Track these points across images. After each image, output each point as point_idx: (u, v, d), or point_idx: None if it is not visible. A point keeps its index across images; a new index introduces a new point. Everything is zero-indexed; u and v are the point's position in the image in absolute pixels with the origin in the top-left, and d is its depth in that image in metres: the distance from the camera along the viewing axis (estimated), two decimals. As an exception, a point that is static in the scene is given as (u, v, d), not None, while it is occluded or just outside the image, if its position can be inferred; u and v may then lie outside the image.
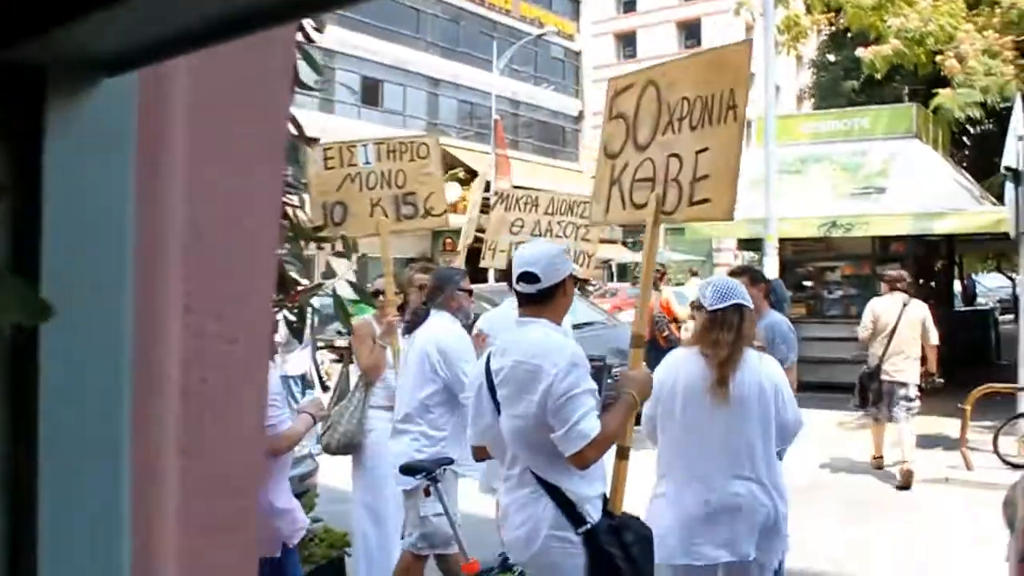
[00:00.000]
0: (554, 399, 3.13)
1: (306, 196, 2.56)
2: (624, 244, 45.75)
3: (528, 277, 3.33)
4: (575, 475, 3.22)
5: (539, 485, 3.23)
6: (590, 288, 25.04)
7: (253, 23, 0.65)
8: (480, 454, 3.72)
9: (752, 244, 14.92)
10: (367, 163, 5.78)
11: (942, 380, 9.34)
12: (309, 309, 3.06)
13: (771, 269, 11.23)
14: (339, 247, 2.28)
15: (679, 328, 12.06)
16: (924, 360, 9.00)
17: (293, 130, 1.94)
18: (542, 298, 3.37)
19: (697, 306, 4.02)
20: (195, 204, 0.87)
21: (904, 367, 8.83)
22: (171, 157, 0.81)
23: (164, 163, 0.81)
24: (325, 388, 14.36)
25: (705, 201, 3.77)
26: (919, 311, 8.97)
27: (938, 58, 12.83)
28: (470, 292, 5.37)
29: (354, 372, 5.77)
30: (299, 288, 1.96)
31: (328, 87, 33.78)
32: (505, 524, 3.38)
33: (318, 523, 5.48)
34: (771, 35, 12.55)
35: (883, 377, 8.86)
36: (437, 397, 4.93)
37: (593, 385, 3.24)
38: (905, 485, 8.41)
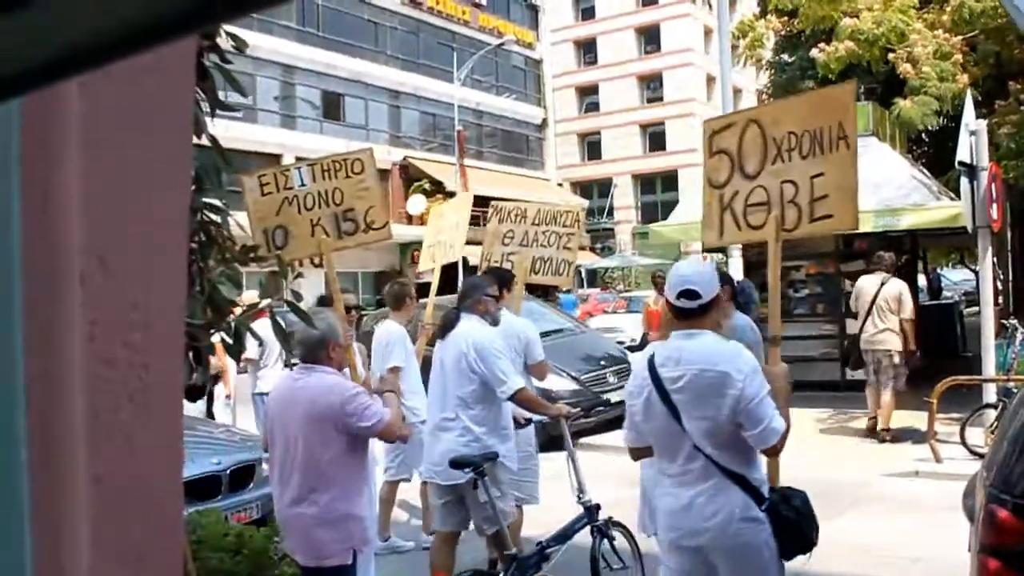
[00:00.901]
0: (745, 402, 3.54)
1: (240, 217, 2.51)
2: (592, 250, 45.93)
3: (690, 294, 3.70)
4: (754, 463, 3.73)
5: (724, 476, 3.64)
6: (560, 295, 25.05)
7: (144, 39, 0.63)
8: (639, 455, 4.09)
9: (717, 246, 14.98)
10: (303, 185, 5.74)
11: (918, 353, 10.25)
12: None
13: (736, 270, 11.28)
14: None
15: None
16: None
17: (214, 150, 1.90)
18: (702, 312, 3.73)
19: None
20: (96, 229, 0.83)
21: (883, 338, 9.93)
22: (65, 180, 0.78)
23: (56, 186, 0.78)
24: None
25: (827, 217, 4.48)
26: (895, 286, 10.08)
27: (891, 56, 12.98)
28: (497, 298, 5.85)
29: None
30: (233, 309, 1.94)
31: (289, 103, 33.66)
32: (689, 513, 3.70)
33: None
34: (727, 38, 12.63)
35: (863, 347, 10.01)
36: (476, 393, 5.35)
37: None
38: (871, 432, 9.96)
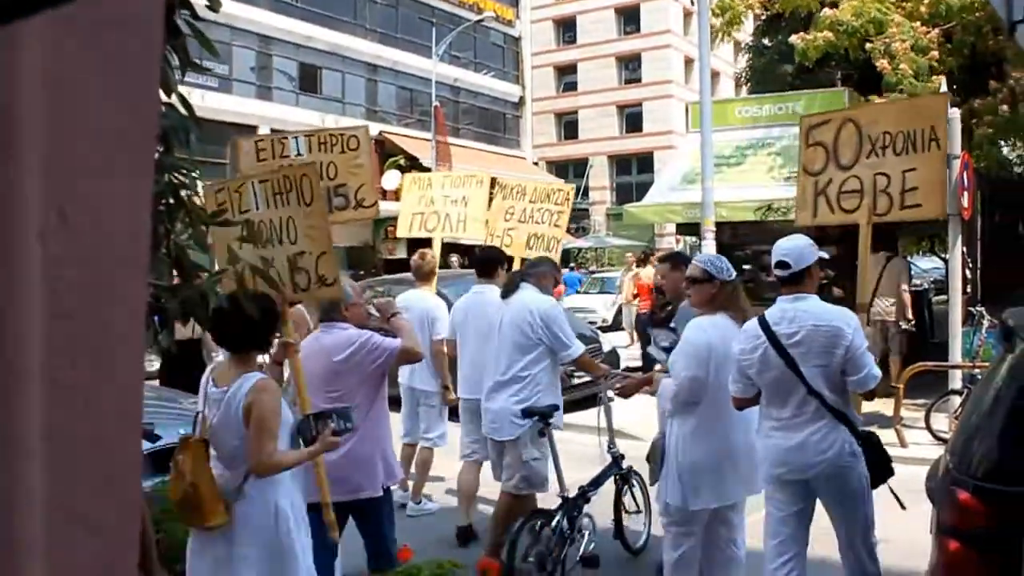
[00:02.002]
0: (853, 351, 4.28)
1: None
2: (568, 231, 45.86)
3: (782, 265, 4.44)
4: (850, 405, 4.47)
5: (833, 417, 4.33)
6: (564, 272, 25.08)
7: None
8: (742, 404, 4.62)
9: (691, 229, 14.99)
10: (299, 154, 5.68)
11: (913, 320, 11.30)
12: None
13: (710, 252, 11.31)
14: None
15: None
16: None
17: (183, 110, 1.87)
18: (796, 279, 4.45)
19: (708, 278, 4.80)
20: (56, 184, 0.82)
21: (892, 310, 10.96)
22: (25, 135, 0.76)
23: (16, 141, 0.75)
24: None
25: (916, 206, 5.34)
26: (898, 264, 11.30)
27: (868, 47, 13.03)
28: (557, 281, 6.50)
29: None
30: (201, 273, 1.91)
31: (266, 74, 33.31)
32: (803, 451, 4.36)
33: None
34: (707, 21, 12.60)
35: (873, 317, 10.66)
36: (533, 355, 5.75)
37: None
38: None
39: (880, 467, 4.43)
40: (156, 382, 7.99)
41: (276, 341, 4.39)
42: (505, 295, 6.02)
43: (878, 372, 4.40)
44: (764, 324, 4.46)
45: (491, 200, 8.74)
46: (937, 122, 5.32)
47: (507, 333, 5.81)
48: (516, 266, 7.66)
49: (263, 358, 4.31)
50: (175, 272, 1.85)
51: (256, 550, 3.68)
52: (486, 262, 7.00)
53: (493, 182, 9.01)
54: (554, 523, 5.49)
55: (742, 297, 4.90)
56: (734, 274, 4.87)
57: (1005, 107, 13.47)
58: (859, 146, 5.48)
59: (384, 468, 4.86)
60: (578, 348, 5.87)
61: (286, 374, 4.75)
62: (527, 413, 5.66)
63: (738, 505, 4.87)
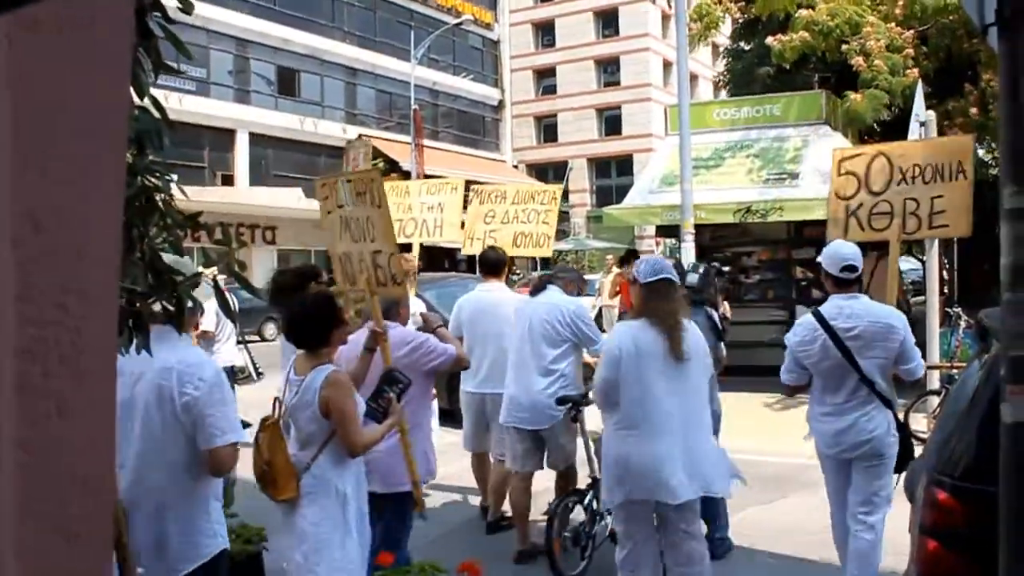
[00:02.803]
0: (906, 345, 4.94)
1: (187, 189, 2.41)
2: (546, 233, 45.85)
3: (851, 268, 5.02)
4: (894, 392, 5.07)
5: (880, 402, 4.91)
6: (514, 277, 25.04)
7: None
8: (794, 391, 5.41)
9: (670, 231, 15.04)
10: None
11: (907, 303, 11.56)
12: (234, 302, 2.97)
13: (689, 255, 11.35)
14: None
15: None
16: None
17: (156, 113, 1.85)
18: (857, 281, 5.08)
19: (632, 280, 5.00)
20: (29, 190, 0.80)
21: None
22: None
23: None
24: (260, 375, 14.08)
25: (944, 226, 6.10)
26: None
27: (844, 47, 13.12)
28: (580, 291, 6.75)
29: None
30: (177, 278, 1.89)
31: (243, 77, 33.18)
32: (854, 431, 4.92)
33: (234, 518, 5.35)
34: (684, 25, 12.66)
35: None
36: (561, 349, 6.11)
37: None
38: None
39: (905, 453, 4.98)
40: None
41: (368, 327, 4.92)
42: (534, 293, 6.45)
43: (922, 361, 5.17)
44: (821, 319, 4.99)
45: (466, 204, 9.00)
46: (964, 157, 6.03)
47: (537, 329, 6.14)
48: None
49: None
50: (149, 276, 1.83)
51: (317, 527, 4.06)
52: (496, 263, 7.26)
53: (468, 186, 9.26)
54: (585, 502, 5.93)
55: (669, 301, 4.81)
56: (670, 277, 4.83)
57: (975, 110, 13.60)
58: (890, 175, 6.16)
59: (423, 464, 5.13)
60: (603, 343, 6.11)
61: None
62: (561, 401, 6.00)
63: (689, 504, 4.74)
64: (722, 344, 6.49)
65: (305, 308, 4.24)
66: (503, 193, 8.90)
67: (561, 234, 48.16)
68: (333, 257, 5.59)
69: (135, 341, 1.81)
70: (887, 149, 6.42)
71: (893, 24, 13.24)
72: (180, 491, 3.59)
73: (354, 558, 4.14)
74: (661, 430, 4.65)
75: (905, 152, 6.32)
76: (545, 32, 54.35)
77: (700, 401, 4.84)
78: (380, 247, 5.05)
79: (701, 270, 6.76)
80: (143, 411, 3.52)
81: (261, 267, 25.67)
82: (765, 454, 8.69)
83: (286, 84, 34.56)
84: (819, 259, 5.26)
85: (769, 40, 13.77)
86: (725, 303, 7.85)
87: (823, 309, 5.04)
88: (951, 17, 12.82)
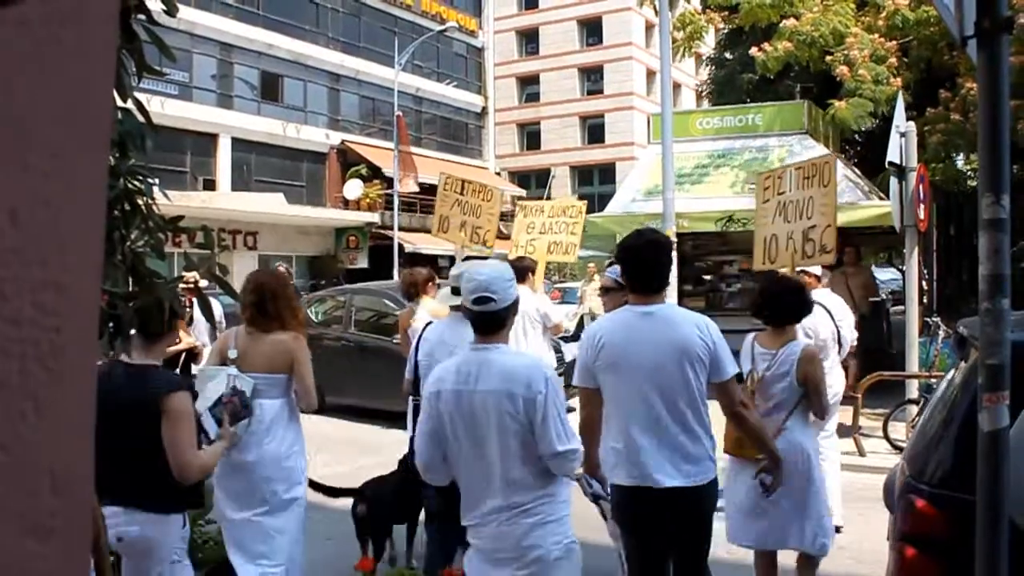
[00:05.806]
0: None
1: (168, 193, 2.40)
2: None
3: None
4: None
5: None
6: (548, 284, 25.02)
7: None
8: None
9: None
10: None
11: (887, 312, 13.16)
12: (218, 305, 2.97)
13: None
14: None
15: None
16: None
17: (139, 116, 1.85)
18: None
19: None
20: (7, 184, 0.80)
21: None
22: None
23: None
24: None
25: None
26: (865, 273, 13.31)
27: (828, 58, 13.21)
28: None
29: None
30: (158, 281, 1.89)
31: (227, 82, 33.06)
32: None
33: (212, 524, 5.33)
34: (668, 34, 12.70)
35: None
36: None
37: None
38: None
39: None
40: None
41: None
42: None
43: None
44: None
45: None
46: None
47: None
48: (541, 269, 9.27)
49: None
50: (131, 279, 1.83)
51: None
52: (522, 270, 7.79)
53: (514, 202, 10.52)
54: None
55: None
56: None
57: (956, 116, 13.71)
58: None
59: None
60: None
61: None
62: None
63: None
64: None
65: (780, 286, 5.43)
66: (541, 207, 10.58)
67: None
68: (757, 240, 7.08)
69: (115, 344, 1.81)
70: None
71: (876, 35, 13.34)
72: None
73: None
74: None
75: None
76: (529, 40, 54.45)
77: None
78: (816, 222, 6.31)
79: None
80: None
81: (243, 272, 25.52)
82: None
83: (269, 89, 34.44)
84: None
85: (753, 50, 13.83)
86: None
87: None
88: (931, 29, 12.92)
